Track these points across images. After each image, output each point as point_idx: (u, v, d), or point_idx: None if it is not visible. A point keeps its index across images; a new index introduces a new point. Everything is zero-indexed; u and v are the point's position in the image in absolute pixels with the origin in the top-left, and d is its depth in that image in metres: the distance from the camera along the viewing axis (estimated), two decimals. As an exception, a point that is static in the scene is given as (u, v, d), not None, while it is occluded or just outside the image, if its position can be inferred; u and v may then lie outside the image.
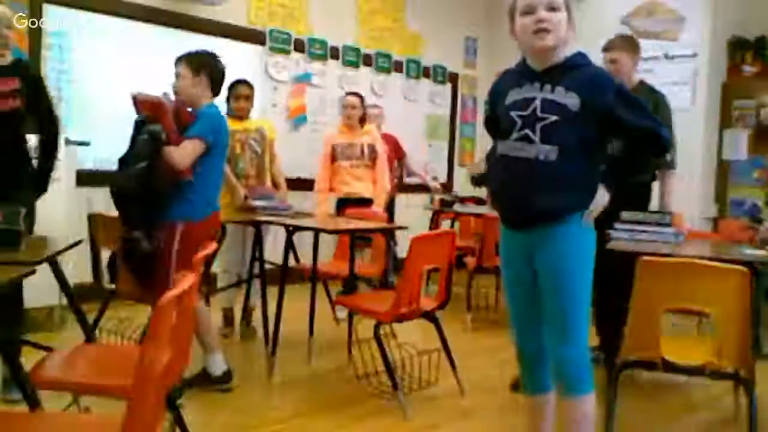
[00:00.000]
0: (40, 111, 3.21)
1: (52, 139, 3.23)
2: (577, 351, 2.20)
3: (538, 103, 2.14)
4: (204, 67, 3.23)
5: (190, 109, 3.20)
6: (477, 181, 2.98)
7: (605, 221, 2.99)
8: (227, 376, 3.32)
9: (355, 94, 5.18)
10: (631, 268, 2.62)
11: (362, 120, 5.09)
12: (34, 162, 3.23)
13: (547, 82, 2.16)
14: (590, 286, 2.21)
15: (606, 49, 3.66)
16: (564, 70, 2.16)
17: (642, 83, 3.75)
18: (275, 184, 4.59)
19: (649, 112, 2.23)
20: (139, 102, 3.06)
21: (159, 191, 2.96)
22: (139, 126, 2.98)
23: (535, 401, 2.44)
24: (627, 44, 3.68)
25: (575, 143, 2.12)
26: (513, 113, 2.19)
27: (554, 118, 2.12)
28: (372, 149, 5.05)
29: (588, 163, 2.17)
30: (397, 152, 6.02)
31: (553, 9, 2.12)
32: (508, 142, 2.20)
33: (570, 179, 2.14)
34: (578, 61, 2.19)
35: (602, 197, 2.20)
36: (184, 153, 3.03)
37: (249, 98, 4.36)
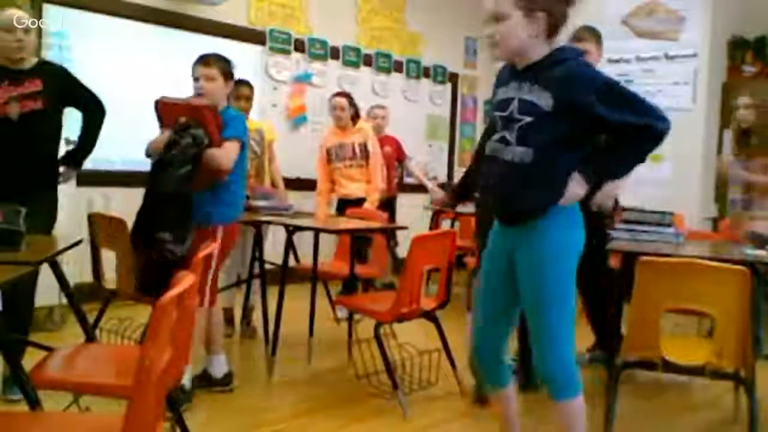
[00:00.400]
0: (78, 99, 3.29)
1: (95, 119, 3.33)
2: (560, 354, 2.17)
3: (515, 104, 2.13)
4: (232, 73, 3.24)
5: None
6: (452, 204, 2.99)
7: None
8: (228, 378, 3.32)
9: (342, 94, 5.17)
10: (628, 266, 2.62)
11: (355, 118, 5.08)
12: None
13: (525, 80, 2.13)
14: (572, 284, 2.18)
15: (577, 39, 3.58)
16: (543, 67, 2.12)
17: None
18: (273, 185, 4.60)
19: (640, 105, 2.11)
20: (162, 105, 3.03)
21: (190, 195, 2.95)
22: (179, 130, 2.92)
23: (499, 395, 2.46)
24: (595, 35, 3.65)
25: (550, 142, 2.09)
26: (496, 113, 2.21)
27: (529, 119, 2.09)
28: (363, 148, 5.03)
29: (566, 159, 2.13)
30: (398, 154, 6.04)
31: (499, 19, 2.10)
32: (491, 143, 2.22)
33: (547, 178, 2.12)
34: (559, 57, 2.12)
35: (576, 187, 2.13)
36: (228, 154, 3.04)
37: (249, 99, 4.36)
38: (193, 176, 2.89)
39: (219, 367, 3.30)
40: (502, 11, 2.09)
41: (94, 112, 3.34)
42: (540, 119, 2.08)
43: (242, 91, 4.29)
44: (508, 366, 2.41)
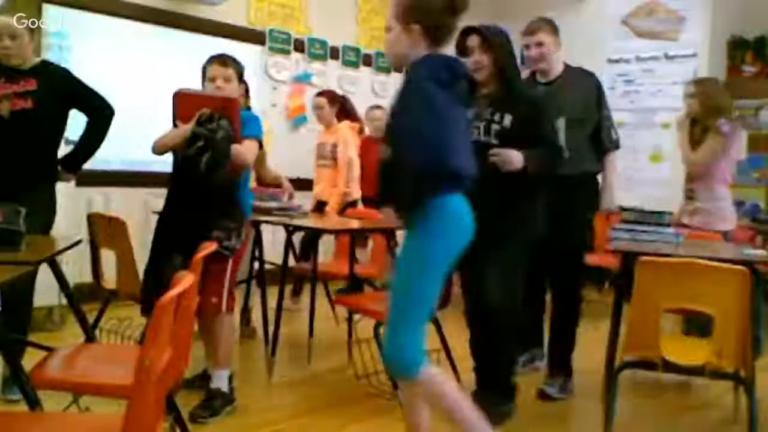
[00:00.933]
0: (80, 102, 3.25)
1: (97, 124, 3.28)
2: (398, 345, 2.20)
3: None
4: (243, 76, 3.21)
5: None
6: None
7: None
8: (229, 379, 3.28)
9: (322, 93, 5.20)
10: (628, 266, 2.63)
11: (341, 116, 5.07)
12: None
13: None
14: (424, 287, 2.21)
15: (531, 32, 3.50)
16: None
17: (569, 67, 3.58)
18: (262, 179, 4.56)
19: (408, 119, 2.16)
20: (182, 97, 2.91)
21: (232, 187, 2.96)
22: (204, 121, 2.82)
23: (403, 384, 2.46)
24: (551, 26, 3.53)
25: (397, 141, 2.19)
26: None
27: (390, 120, 2.26)
28: (334, 149, 5.03)
29: None
30: None
31: (387, 31, 2.25)
32: None
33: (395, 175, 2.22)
34: (414, 64, 2.22)
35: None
36: (251, 152, 3.01)
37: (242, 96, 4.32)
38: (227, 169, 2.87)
39: (224, 382, 3.26)
40: (388, 24, 2.26)
41: (98, 117, 3.28)
42: (389, 121, 2.25)
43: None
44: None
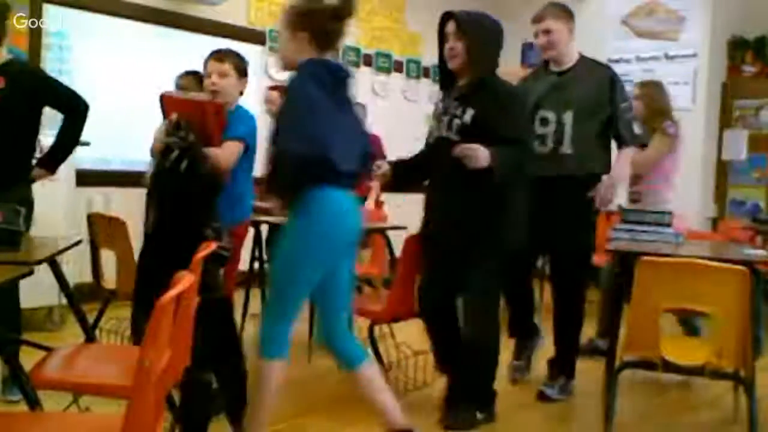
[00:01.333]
0: (53, 100, 3.20)
1: (71, 123, 3.22)
2: (266, 324, 2.42)
3: None
4: (246, 70, 3.19)
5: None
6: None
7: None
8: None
9: (276, 87, 5.11)
10: (627, 266, 2.63)
11: None
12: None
13: None
14: (293, 273, 2.34)
15: (538, 19, 3.34)
16: None
17: (584, 58, 3.42)
18: None
19: (290, 118, 2.28)
20: (166, 99, 2.90)
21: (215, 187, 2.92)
22: (172, 130, 2.76)
23: (353, 377, 2.59)
24: (560, 12, 3.34)
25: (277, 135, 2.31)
26: None
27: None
28: None
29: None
30: (379, 152, 6.01)
31: (279, 35, 2.43)
32: None
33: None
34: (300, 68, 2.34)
35: None
36: (230, 155, 2.94)
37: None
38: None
39: None
40: (279, 29, 2.42)
41: (72, 114, 3.22)
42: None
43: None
44: (348, 348, 2.57)
